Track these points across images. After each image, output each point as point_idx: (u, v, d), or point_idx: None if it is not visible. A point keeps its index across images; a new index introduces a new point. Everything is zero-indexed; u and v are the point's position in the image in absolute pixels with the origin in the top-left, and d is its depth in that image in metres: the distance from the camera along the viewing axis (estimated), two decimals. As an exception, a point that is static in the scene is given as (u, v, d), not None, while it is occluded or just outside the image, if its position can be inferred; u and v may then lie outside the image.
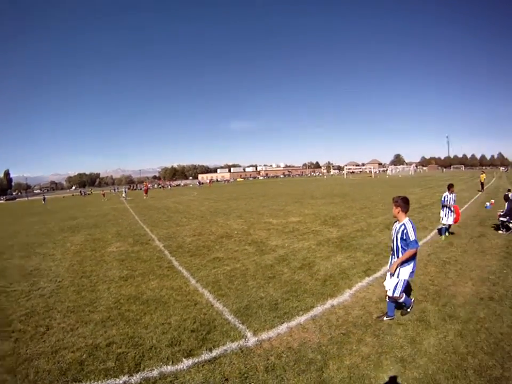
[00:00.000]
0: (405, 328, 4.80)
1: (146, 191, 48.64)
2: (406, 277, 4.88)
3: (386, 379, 3.72)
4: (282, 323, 5.05)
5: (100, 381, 3.92)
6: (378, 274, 7.00)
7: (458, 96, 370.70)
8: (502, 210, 11.23)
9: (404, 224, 4.84)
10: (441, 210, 10.48)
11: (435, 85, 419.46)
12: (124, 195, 49.34)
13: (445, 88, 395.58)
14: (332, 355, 4.17)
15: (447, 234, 10.30)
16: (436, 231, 11.09)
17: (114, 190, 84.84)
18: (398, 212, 4.90)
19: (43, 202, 54.03)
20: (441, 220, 10.43)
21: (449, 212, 10.23)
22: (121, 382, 3.88)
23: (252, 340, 4.57)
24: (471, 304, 5.53)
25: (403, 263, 4.81)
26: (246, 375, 3.83)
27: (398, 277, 4.84)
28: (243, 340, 4.59)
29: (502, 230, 10.77)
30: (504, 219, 10.75)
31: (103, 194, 58.80)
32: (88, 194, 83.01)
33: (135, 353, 4.44)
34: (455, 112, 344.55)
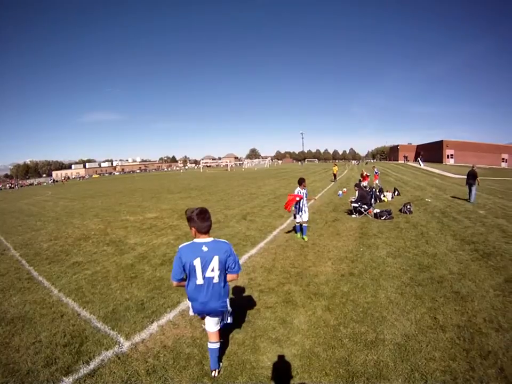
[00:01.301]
0: (273, 311, 5.20)
1: None
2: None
3: (267, 360, 3.99)
4: (152, 322, 5.04)
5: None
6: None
7: (312, 95, 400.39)
8: (353, 197, 12.74)
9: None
10: (292, 207, 9.32)
11: (290, 82, 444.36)
12: None
13: (300, 84, 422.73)
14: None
15: (300, 235, 9.56)
16: (291, 218, 11.82)
17: None
18: (194, 232, 3.58)
19: None
20: (295, 218, 9.68)
21: (302, 208, 9.22)
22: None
23: (126, 345, 4.47)
24: (334, 281, 6.26)
25: None
26: (129, 382, 3.73)
27: None
28: (117, 346, 4.46)
29: (355, 214, 12.32)
30: (356, 205, 12.30)
31: None
32: None
33: (14, 381, 3.98)
34: (310, 110, 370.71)
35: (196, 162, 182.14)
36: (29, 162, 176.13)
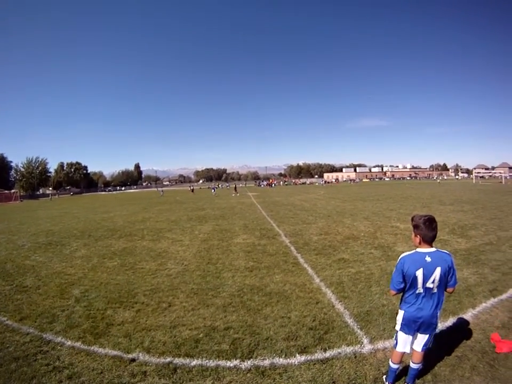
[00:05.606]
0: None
1: (270, 185, 54.18)
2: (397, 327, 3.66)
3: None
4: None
5: (211, 360, 4.15)
6: (504, 296, 6.02)
7: None
8: None
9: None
10: None
11: None
12: (213, 192, 53.59)
13: None
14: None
15: None
16: None
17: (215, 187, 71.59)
18: (418, 241, 3.44)
19: (161, 194, 58.47)
20: None
21: None
22: (231, 365, 4.05)
23: (367, 347, 4.39)
24: None
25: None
26: (353, 381, 3.69)
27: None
28: (358, 345, 4.43)
29: None
30: None
31: (192, 190, 62.95)
32: (216, 188, 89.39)
33: (251, 341, 4.62)
34: None
35: (468, 171, 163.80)
36: (301, 164, 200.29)
